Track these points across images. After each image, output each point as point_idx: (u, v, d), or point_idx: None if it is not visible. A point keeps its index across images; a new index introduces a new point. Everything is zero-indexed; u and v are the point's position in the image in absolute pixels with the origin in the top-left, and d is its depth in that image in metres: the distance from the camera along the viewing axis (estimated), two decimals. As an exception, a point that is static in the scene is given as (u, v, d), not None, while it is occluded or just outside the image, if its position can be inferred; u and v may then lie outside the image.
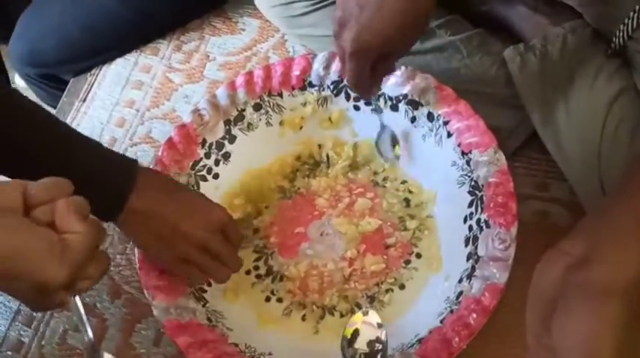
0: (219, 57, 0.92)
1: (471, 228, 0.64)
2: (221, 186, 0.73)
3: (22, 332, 0.72)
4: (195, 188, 0.71)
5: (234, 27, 0.94)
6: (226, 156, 0.73)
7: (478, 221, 0.63)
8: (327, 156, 0.76)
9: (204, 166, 0.72)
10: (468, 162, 0.67)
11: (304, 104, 0.75)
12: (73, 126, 0.85)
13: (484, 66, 0.76)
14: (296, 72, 0.74)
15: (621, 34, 0.67)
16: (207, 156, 0.72)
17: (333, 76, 0.74)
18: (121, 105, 0.88)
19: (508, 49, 0.75)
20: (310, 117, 0.76)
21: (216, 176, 0.73)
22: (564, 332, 0.39)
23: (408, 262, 0.69)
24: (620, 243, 0.39)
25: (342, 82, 0.73)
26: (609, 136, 0.64)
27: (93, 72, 0.91)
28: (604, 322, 0.37)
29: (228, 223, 0.64)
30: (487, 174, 0.64)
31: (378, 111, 0.72)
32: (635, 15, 0.65)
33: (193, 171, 0.71)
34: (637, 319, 0.38)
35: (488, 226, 0.62)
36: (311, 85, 0.74)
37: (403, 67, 0.71)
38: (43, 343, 0.71)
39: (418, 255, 0.69)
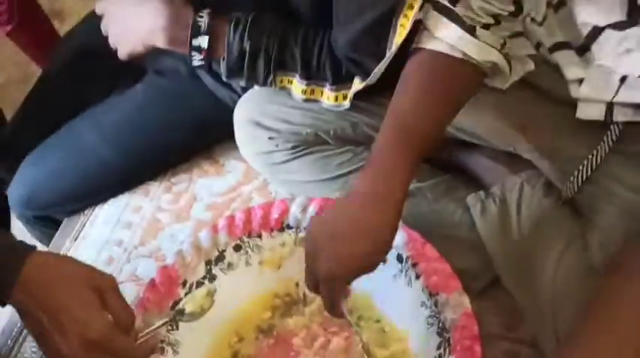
0: (206, 198, 0.98)
1: None
2: (196, 329, 0.74)
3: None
4: (175, 328, 0.73)
5: (221, 169, 1.02)
6: (208, 294, 0.76)
7: None
8: (304, 294, 0.80)
9: (183, 307, 0.74)
10: (435, 303, 0.70)
11: (282, 245, 0.80)
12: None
13: (449, 211, 0.83)
14: (275, 215, 0.79)
15: (570, 186, 0.74)
16: (187, 296, 0.75)
17: (310, 218, 0.79)
18: (110, 244, 0.93)
19: (470, 196, 0.82)
20: (288, 257, 0.80)
21: None
22: None
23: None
24: None
25: None
26: (559, 286, 0.69)
27: (86, 212, 0.97)
28: None
29: (110, 338, 0.60)
30: (453, 316, 0.67)
31: None
32: (583, 170, 0.73)
33: (173, 312, 0.73)
34: None
35: None
36: (289, 226, 0.79)
37: None
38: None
39: None
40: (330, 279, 0.64)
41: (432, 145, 0.67)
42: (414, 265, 0.73)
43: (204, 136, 1.03)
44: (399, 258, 0.75)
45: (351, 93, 0.80)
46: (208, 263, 0.77)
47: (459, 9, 0.67)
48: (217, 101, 0.99)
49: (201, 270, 0.77)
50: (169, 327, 0.72)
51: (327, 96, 0.83)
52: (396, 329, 0.75)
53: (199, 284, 0.76)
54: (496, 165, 0.86)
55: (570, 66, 0.71)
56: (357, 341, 0.72)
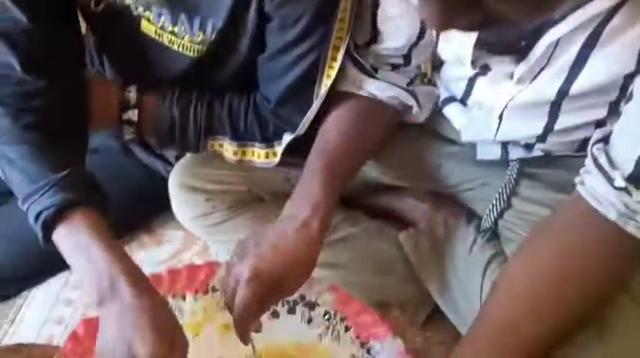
0: (146, 268, 0.98)
1: None
2: None
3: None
4: None
5: (160, 239, 1.04)
6: None
7: None
8: None
9: None
10: (368, 351, 0.73)
11: (204, 310, 0.78)
12: (10, 331, 0.87)
13: (384, 250, 0.89)
14: (201, 276, 0.78)
15: (489, 215, 0.82)
16: None
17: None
18: (50, 322, 0.91)
19: (401, 234, 0.89)
20: (207, 324, 0.77)
21: None
22: None
23: None
24: None
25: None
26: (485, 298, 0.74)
27: (22, 295, 0.96)
28: None
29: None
30: (390, 357, 0.71)
31: None
32: (498, 201, 0.81)
33: None
34: None
35: None
36: (214, 289, 0.78)
37: None
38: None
39: None
40: (252, 279, 0.64)
41: (352, 174, 0.76)
42: (343, 319, 0.76)
43: (142, 209, 1.05)
44: (327, 315, 0.77)
45: (280, 148, 0.86)
46: None
47: (365, 57, 0.77)
48: (152, 174, 1.02)
49: None
50: None
51: (258, 155, 0.88)
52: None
53: None
54: (422, 204, 0.93)
55: (457, 117, 0.81)
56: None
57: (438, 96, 0.83)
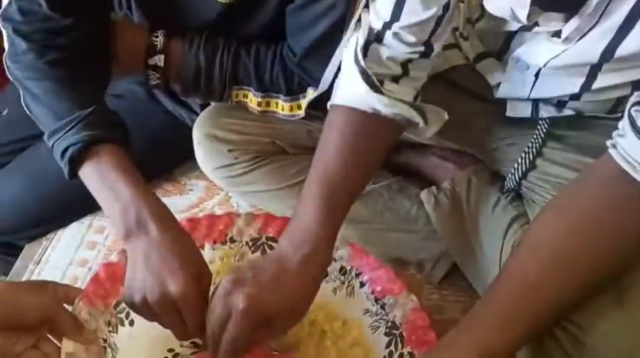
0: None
1: None
2: (136, 336, 0.71)
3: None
4: (115, 330, 0.70)
5: (183, 188, 1.05)
6: None
7: (401, 355, 0.69)
8: None
9: (124, 309, 0.71)
10: (382, 306, 0.74)
11: (222, 259, 0.78)
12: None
13: (405, 207, 0.89)
14: (220, 226, 0.78)
15: (514, 175, 0.81)
16: None
17: (254, 233, 0.79)
18: (75, 264, 0.94)
19: (423, 192, 0.88)
20: (224, 272, 0.77)
21: (132, 323, 0.72)
22: None
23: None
24: None
25: (260, 239, 0.78)
26: (504, 261, 0.74)
27: (48, 236, 0.98)
28: None
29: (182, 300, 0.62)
30: (403, 313, 0.72)
31: None
32: (523, 161, 0.80)
33: (115, 311, 0.71)
34: None
35: (411, 357, 0.68)
36: (232, 240, 0.79)
37: None
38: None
39: None
40: (246, 310, 0.59)
41: (354, 198, 0.69)
42: (358, 275, 0.76)
43: (165, 156, 1.05)
44: (342, 270, 0.77)
45: (305, 102, 0.85)
46: None
47: (368, 64, 0.69)
48: (176, 121, 1.03)
49: None
50: (110, 329, 0.70)
51: (282, 107, 0.88)
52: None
53: None
54: (445, 163, 0.93)
55: (492, 72, 0.79)
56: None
57: (467, 57, 0.80)
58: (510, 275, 0.59)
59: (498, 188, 0.83)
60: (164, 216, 0.67)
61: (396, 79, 0.70)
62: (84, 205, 0.99)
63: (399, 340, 0.70)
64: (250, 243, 0.79)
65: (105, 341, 0.69)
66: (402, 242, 0.88)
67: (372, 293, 0.74)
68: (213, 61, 0.84)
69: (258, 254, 0.79)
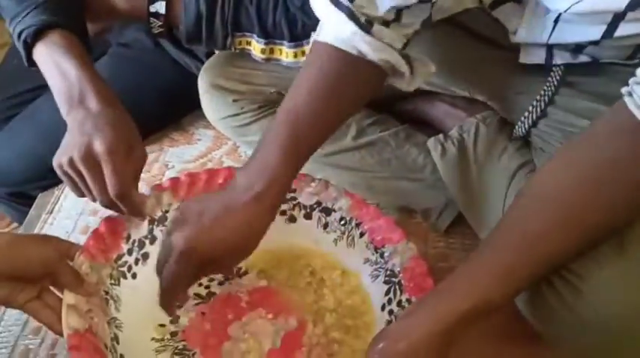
0: (177, 165, 1.02)
1: (391, 312, 0.70)
2: (139, 288, 0.73)
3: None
4: (117, 283, 0.72)
5: (191, 138, 1.06)
6: (145, 257, 0.74)
7: (399, 302, 0.70)
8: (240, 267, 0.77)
9: (126, 263, 0.73)
10: (381, 255, 0.74)
11: None
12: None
13: (412, 156, 0.88)
14: (219, 180, 0.78)
15: (524, 123, 0.79)
16: (130, 252, 0.74)
17: None
18: (86, 214, 0.96)
19: (430, 140, 0.87)
20: None
21: (134, 276, 0.73)
22: None
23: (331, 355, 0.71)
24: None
25: None
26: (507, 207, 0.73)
27: (60, 186, 1.00)
28: None
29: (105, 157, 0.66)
30: (402, 261, 0.72)
31: None
32: (535, 108, 0.78)
33: (116, 265, 0.73)
34: None
35: (410, 303, 0.69)
36: None
37: (317, 180, 0.79)
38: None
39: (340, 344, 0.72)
40: (184, 252, 0.60)
41: (320, 143, 0.67)
42: (358, 225, 0.77)
43: (173, 105, 1.06)
44: (342, 221, 0.77)
45: (309, 47, 0.83)
46: (151, 222, 0.75)
47: (357, 4, 0.64)
48: (182, 70, 1.03)
49: (144, 228, 0.75)
50: (112, 281, 0.71)
51: (287, 54, 0.86)
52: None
53: (141, 243, 0.74)
54: (454, 110, 0.91)
55: (510, 18, 0.75)
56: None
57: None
58: (511, 224, 0.58)
59: (506, 135, 0.82)
60: (105, 95, 0.72)
61: (386, 23, 0.66)
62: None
63: (397, 287, 0.71)
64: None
65: (107, 293, 0.70)
66: (409, 190, 0.87)
67: (372, 242, 0.75)
68: (214, 7, 0.83)
69: None
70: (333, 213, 0.78)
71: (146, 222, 0.75)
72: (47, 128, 0.99)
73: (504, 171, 0.77)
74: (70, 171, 0.69)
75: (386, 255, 0.74)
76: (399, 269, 0.71)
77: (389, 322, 0.70)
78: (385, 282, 0.72)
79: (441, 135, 0.87)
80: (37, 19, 0.74)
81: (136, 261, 0.74)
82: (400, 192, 0.88)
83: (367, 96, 0.70)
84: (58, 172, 0.71)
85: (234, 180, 0.64)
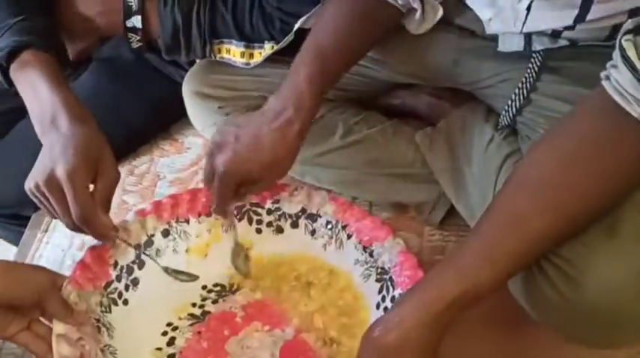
0: (168, 175, 1.02)
1: (386, 309, 0.70)
2: (132, 314, 0.73)
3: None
4: (108, 310, 0.72)
5: (180, 147, 1.06)
6: (135, 282, 0.75)
7: (393, 298, 0.70)
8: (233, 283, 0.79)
9: (116, 289, 0.74)
10: (370, 254, 0.75)
11: (209, 230, 0.80)
12: (36, 256, 0.93)
13: (401, 150, 0.88)
14: (202, 199, 0.79)
15: (508, 112, 0.79)
16: (119, 279, 0.74)
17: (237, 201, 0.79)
18: (81, 231, 0.96)
19: (418, 133, 0.87)
20: (214, 243, 0.80)
21: (125, 302, 0.74)
22: None
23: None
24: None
25: (244, 206, 0.80)
26: None
27: (53, 204, 1.00)
28: None
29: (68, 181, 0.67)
30: (391, 256, 0.73)
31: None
32: (517, 96, 0.78)
33: (106, 292, 0.73)
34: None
35: None
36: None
37: (300, 188, 0.80)
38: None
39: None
40: (225, 173, 0.70)
41: (341, 76, 0.75)
42: (345, 227, 0.77)
43: (159, 115, 1.06)
44: (329, 225, 0.78)
45: (278, 47, 0.83)
46: (137, 247, 0.76)
47: None
48: (166, 79, 1.03)
49: (131, 254, 0.76)
50: (102, 309, 0.72)
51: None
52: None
53: (129, 268, 0.76)
54: (440, 101, 0.91)
55: (482, 8, 0.75)
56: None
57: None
58: (498, 210, 0.59)
59: (493, 125, 0.81)
60: (77, 115, 0.72)
61: None
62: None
63: (389, 283, 0.71)
64: (235, 212, 0.80)
65: (98, 320, 0.71)
66: (400, 186, 0.88)
67: (360, 242, 0.76)
68: (190, 16, 0.83)
69: (244, 221, 0.80)
70: (318, 218, 0.79)
71: (132, 249, 0.76)
72: (38, 148, 0.99)
73: (492, 161, 0.77)
74: (38, 195, 0.70)
75: (375, 253, 0.74)
76: (389, 265, 0.72)
77: None
78: (377, 280, 0.73)
79: (428, 128, 0.87)
80: (9, 41, 0.75)
81: (126, 287, 0.75)
82: (392, 188, 0.88)
83: (382, 36, 0.78)
84: (29, 195, 0.71)
85: (266, 105, 0.71)
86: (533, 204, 0.56)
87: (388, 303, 0.71)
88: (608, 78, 0.55)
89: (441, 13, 0.76)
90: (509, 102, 0.79)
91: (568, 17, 0.67)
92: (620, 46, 0.54)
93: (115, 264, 0.74)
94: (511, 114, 0.79)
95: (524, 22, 0.70)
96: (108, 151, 0.72)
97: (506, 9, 0.71)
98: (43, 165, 0.69)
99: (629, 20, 0.56)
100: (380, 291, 0.72)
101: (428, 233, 0.88)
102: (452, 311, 0.56)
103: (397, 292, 0.70)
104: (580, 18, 0.66)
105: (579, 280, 0.56)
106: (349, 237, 0.77)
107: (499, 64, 0.79)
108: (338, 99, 0.90)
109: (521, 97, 0.77)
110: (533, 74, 0.76)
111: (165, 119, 1.08)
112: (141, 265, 0.76)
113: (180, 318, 0.75)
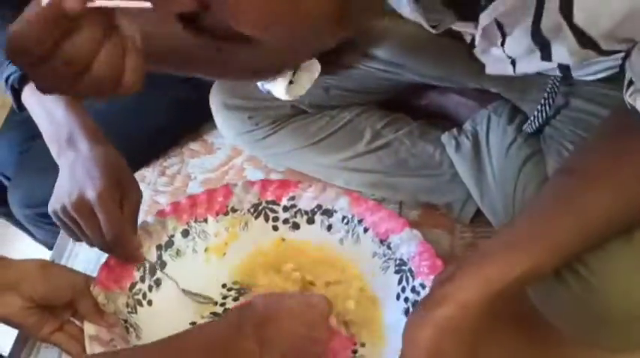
0: (199, 175, 1.06)
1: (407, 299, 0.73)
2: (156, 314, 0.76)
3: None
4: (134, 311, 0.75)
5: (210, 148, 1.10)
6: (157, 283, 0.78)
7: (413, 288, 0.72)
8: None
9: (140, 290, 0.77)
10: (388, 246, 0.77)
11: (227, 229, 0.83)
12: (72, 255, 0.97)
13: (428, 152, 0.91)
14: (219, 198, 0.83)
15: (538, 116, 0.80)
16: (142, 279, 0.77)
17: (253, 199, 0.84)
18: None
19: (444, 135, 0.90)
20: (232, 242, 0.83)
21: (150, 303, 0.77)
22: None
23: (354, 351, 0.74)
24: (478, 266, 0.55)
25: (260, 204, 0.83)
26: (519, 198, 0.77)
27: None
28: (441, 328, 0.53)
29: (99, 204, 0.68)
30: (409, 248, 0.75)
31: None
32: (544, 106, 0.78)
33: (131, 293, 0.76)
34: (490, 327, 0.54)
35: (423, 287, 0.71)
36: (233, 210, 0.83)
37: (314, 184, 0.83)
38: None
39: (362, 344, 0.74)
40: None
41: None
42: (360, 221, 0.80)
43: (187, 116, 1.09)
44: (345, 220, 0.81)
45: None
46: (159, 248, 0.80)
47: None
48: (196, 81, 1.04)
49: (153, 255, 0.79)
50: (129, 310, 0.75)
51: None
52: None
53: (152, 269, 0.78)
54: (466, 100, 0.93)
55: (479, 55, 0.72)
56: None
57: None
58: (565, 198, 0.58)
59: (516, 126, 0.83)
60: (93, 135, 0.73)
61: None
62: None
63: (409, 274, 0.74)
64: (252, 210, 0.83)
65: (126, 321, 0.74)
66: (428, 186, 0.91)
67: (376, 236, 0.78)
68: None
69: (261, 219, 0.83)
70: (334, 213, 0.81)
71: (154, 248, 0.79)
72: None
73: (513, 163, 0.79)
74: (65, 219, 0.71)
75: (392, 245, 0.77)
76: (407, 257, 0.74)
77: (406, 310, 0.72)
78: (396, 272, 0.75)
79: (454, 130, 0.90)
80: None
81: (150, 288, 0.78)
82: (420, 188, 0.91)
83: None
84: (54, 218, 0.73)
85: None
86: (605, 199, 0.57)
87: (409, 294, 0.73)
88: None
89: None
90: (538, 108, 0.79)
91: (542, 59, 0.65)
92: (631, 106, 0.56)
93: (139, 265, 0.77)
94: (538, 122, 0.80)
95: (514, 70, 0.69)
96: (129, 171, 0.74)
97: (495, 63, 0.71)
98: (68, 187, 0.70)
99: (627, 74, 0.57)
100: (399, 282, 0.74)
101: (460, 230, 0.91)
102: (508, 291, 0.55)
103: (417, 282, 0.72)
104: (546, 57, 0.63)
105: (596, 283, 0.58)
106: (365, 230, 0.79)
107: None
108: (365, 103, 0.92)
109: (548, 106, 0.78)
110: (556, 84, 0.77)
111: (192, 120, 1.11)
112: (162, 265, 0.79)
113: (202, 317, 0.78)
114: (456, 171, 0.89)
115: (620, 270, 0.58)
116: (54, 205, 0.71)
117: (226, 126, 0.95)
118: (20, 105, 0.77)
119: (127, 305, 0.75)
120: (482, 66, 0.83)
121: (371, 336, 0.74)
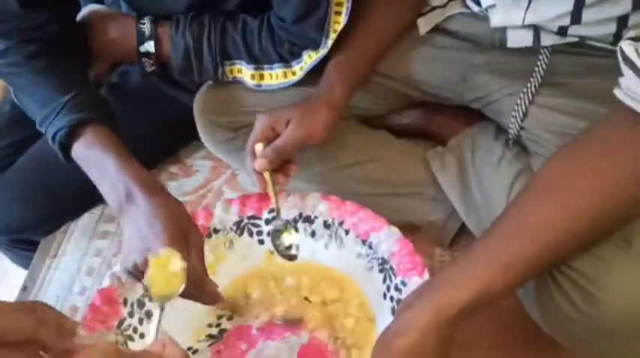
0: (178, 198, 1.02)
1: (392, 298, 0.73)
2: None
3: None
4: (125, 346, 0.73)
5: (189, 170, 1.08)
6: (149, 315, 0.76)
7: (396, 286, 0.72)
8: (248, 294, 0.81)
9: (130, 325, 0.75)
10: (370, 246, 0.78)
11: (212, 250, 0.82)
12: (45, 281, 0.94)
13: (410, 169, 0.90)
14: (200, 221, 0.82)
15: (513, 125, 0.81)
16: (131, 315, 0.75)
17: (234, 217, 0.83)
18: (90, 255, 0.98)
19: (429, 152, 0.89)
20: (218, 263, 0.82)
21: (142, 335, 0.75)
22: None
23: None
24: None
25: (242, 221, 0.83)
26: None
27: (62, 229, 1.02)
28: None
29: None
30: (388, 246, 0.75)
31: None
32: (520, 103, 0.80)
33: (120, 330, 0.74)
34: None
35: (405, 285, 0.71)
36: (216, 231, 0.83)
37: (292, 194, 0.83)
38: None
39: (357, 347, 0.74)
40: (292, 141, 0.77)
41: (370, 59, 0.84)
42: (341, 223, 0.80)
43: (169, 139, 1.08)
44: (326, 224, 0.81)
45: (299, 66, 0.86)
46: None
47: None
48: (176, 103, 1.05)
49: (139, 288, 0.76)
50: (120, 345, 0.72)
51: (276, 76, 0.89)
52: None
53: (140, 303, 0.76)
54: (451, 121, 0.93)
55: None
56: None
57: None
58: (514, 215, 0.60)
59: (503, 142, 0.83)
60: (150, 187, 0.72)
61: None
62: (93, 197, 1.02)
63: (390, 273, 0.74)
64: (234, 228, 0.83)
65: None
66: (411, 205, 0.90)
67: (358, 236, 0.79)
68: (201, 40, 0.86)
69: (245, 235, 0.83)
70: (315, 219, 0.81)
71: (140, 283, 0.75)
72: (44, 174, 1.01)
73: (504, 179, 0.79)
74: (139, 276, 0.70)
75: (373, 244, 0.77)
76: (388, 255, 0.74)
77: (392, 309, 0.72)
78: (380, 271, 0.75)
79: (439, 147, 0.89)
80: (67, 119, 0.75)
81: (140, 321, 0.76)
82: (402, 207, 0.90)
83: (406, 23, 0.86)
84: (128, 275, 0.73)
85: (310, 93, 0.83)
86: (553, 209, 0.57)
87: (393, 292, 0.72)
88: (619, 86, 0.56)
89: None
90: (513, 114, 0.80)
91: (568, 2, 0.68)
92: (621, 49, 0.56)
93: (125, 301, 0.75)
94: (516, 129, 0.80)
95: (525, 12, 0.72)
96: (188, 216, 0.73)
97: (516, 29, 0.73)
98: (135, 244, 0.69)
99: (631, 31, 0.58)
100: (384, 281, 0.74)
101: (439, 254, 0.90)
102: (464, 314, 0.57)
103: (398, 280, 0.72)
104: (580, 3, 0.67)
105: (596, 294, 0.57)
106: (347, 232, 0.80)
107: (504, 78, 0.82)
108: (349, 118, 0.92)
109: (521, 111, 0.79)
110: (533, 88, 0.78)
111: (175, 143, 1.10)
112: (151, 297, 0.75)
113: (198, 341, 0.77)
114: (439, 190, 0.88)
115: (621, 279, 0.56)
116: (125, 263, 0.70)
117: (208, 134, 0.93)
118: (68, 160, 0.78)
119: (117, 342, 0.72)
120: (466, 79, 0.84)
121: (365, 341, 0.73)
